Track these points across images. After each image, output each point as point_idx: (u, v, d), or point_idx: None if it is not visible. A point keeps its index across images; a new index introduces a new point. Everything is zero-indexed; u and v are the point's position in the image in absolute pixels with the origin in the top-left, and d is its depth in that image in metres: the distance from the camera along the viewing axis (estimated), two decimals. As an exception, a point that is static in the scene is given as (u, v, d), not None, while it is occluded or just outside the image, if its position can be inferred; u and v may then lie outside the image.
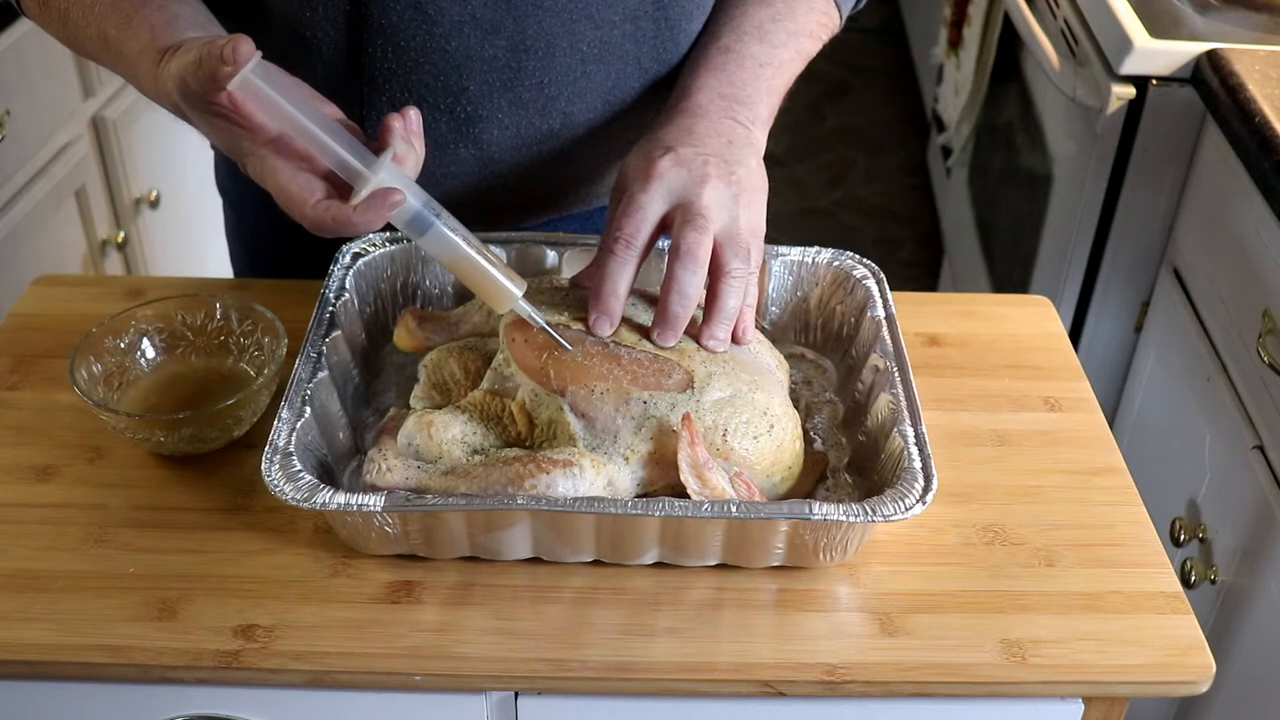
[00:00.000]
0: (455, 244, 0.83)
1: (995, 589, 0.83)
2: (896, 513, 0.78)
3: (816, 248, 1.00)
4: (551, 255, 1.00)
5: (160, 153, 2.12)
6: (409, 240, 0.98)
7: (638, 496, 0.82)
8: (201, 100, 0.80)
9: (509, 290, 0.84)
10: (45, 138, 1.80)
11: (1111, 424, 1.57)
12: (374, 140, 0.82)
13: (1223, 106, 1.46)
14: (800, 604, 0.82)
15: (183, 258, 2.23)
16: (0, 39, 1.66)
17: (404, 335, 0.95)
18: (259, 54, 0.77)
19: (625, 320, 0.86)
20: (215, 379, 0.96)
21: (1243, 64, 1.48)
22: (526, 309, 0.85)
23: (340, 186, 0.80)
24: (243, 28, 0.92)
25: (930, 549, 0.86)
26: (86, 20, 0.89)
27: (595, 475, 0.80)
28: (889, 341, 0.92)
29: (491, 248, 0.98)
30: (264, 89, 0.77)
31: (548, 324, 0.85)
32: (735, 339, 0.88)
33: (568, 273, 0.99)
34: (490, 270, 0.84)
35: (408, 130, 0.82)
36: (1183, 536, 1.48)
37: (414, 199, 0.81)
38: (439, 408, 0.86)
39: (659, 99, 0.98)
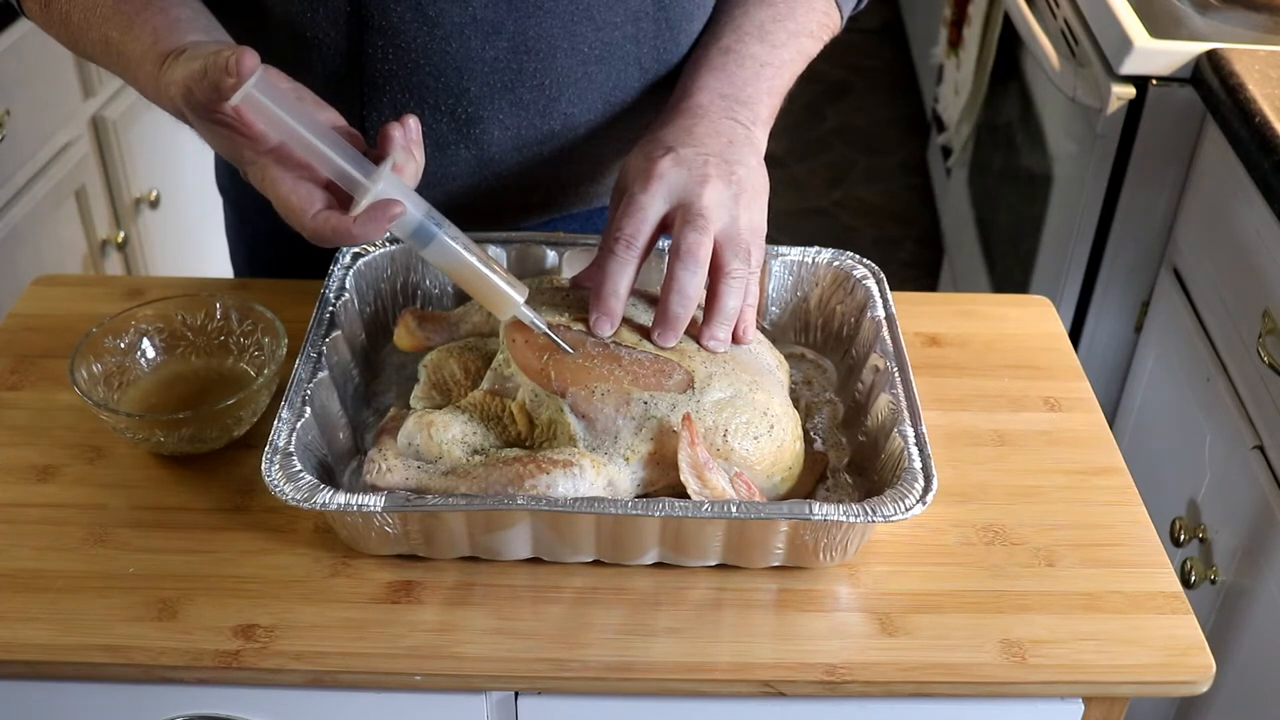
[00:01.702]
0: (458, 254, 0.83)
1: (995, 589, 0.83)
2: (896, 513, 0.78)
3: (816, 248, 1.00)
4: (552, 255, 1.00)
5: (160, 153, 2.12)
6: (409, 241, 0.99)
7: (638, 497, 0.82)
8: (204, 108, 0.80)
9: (511, 297, 0.84)
10: (45, 138, 1.80)
11: (1111, 424, 1.57)
12: (374, 148, 0.82)
13: (1223, 106, 1.46)
14: (800, 604, 0.82)
15: (183, 258, 2.23)
16: (0, 39, 1.66)
17: (404, 335, 0.95)
18: (262, 67, 0.77)
19: (626, 321, 0.86)
20: (215, 379, 0.96)
21: (1243, 64, 1.48)
22: (529, 315, 0.85)
23: (341, 195, 0.80)
24: (244, 29, 0.92)
25: (930, 549, 0.86)
26: (89, 23, 0.89)
27: (595, 475, 0.80)
28: (889, 341, 0.92)
29: (490, 248, 0.98)
30: (265, 103, 0.77)
31: (550, 329, 0.85)
32: (736, 339, 0.88)
33: (568, 273, 0.99)
34: (492, 278, 0.84)
35: (407, 139, 0.82)
36: (1183, 536, 1.48)
37: (414, 209, 0.81)
38: (439, 408, 0.86)
39: (659, 99, 0.98)
